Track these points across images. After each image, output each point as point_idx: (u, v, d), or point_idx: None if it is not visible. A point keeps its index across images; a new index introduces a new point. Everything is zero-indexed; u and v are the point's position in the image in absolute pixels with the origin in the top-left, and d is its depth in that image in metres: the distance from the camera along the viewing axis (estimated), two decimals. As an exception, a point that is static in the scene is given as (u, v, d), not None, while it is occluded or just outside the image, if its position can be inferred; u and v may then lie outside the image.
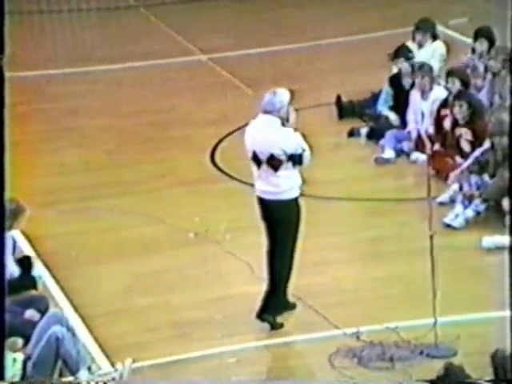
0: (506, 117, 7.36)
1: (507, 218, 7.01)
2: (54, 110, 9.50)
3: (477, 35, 8.79)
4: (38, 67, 10.38)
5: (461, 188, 7.49)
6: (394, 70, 8.83)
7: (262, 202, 6.14)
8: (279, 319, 6.17)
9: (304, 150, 6.11)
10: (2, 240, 3.83)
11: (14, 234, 6.67)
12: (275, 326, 6.13)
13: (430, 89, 8.40)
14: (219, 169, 8.42)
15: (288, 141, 6.05)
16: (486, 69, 8.43)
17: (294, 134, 6.11)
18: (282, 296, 6.19)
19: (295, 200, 6.13)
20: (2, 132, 3.94)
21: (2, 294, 3.86)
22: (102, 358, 5.94)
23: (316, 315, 6.25)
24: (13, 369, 5.55)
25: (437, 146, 8.10)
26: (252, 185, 7.92)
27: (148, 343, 6.05)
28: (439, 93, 8.37)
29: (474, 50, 8.78)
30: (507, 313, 5.15)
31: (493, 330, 5.68)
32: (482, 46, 8.67)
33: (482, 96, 8.30)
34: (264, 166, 6.04)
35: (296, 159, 6.06)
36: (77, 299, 6.55)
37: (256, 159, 6.08)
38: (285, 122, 6.07)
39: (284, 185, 6.07)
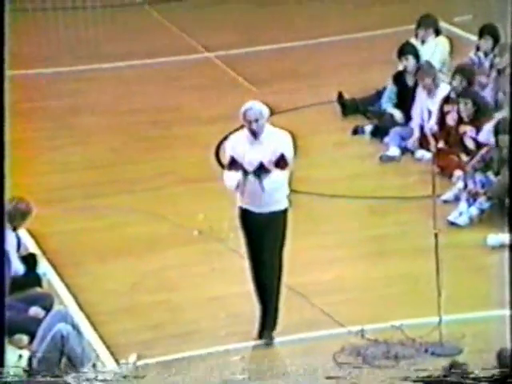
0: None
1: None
2: (58, 108, 9.50)
3: (481, 32, 8.78)
4: (43, 65, 10.37)
5: (465, 186, 7.48)
6: (400, 68, 8.81)
7: (251, 215, 5.91)
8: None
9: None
10: (1, 239, 3.82)
11: (19, 232, 6.68)
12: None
13: (436, 86, 8.39)
14: (224, 167, 8.41)
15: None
16: (491, 66, 8.41)
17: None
18: (274, 311, 6.05)
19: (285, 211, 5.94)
20: (1, 135, 3.92)
21: (2, 293, 3.85)
22: (107, 355, 5.94)
23: (320, 313, 6.25)
24: (18, 366, 5.55)
25: (441, 144, 8.08)
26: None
27: (152, 341, 6.05)
28: (445, 90, 8.35)
29: (478, 48, 8.77)
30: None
31: (498, 328, 5.67)
32: (486, 43, 8.66)
33: (487, 93, 8.29)
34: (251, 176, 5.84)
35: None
36: (81, 297, 6.55)
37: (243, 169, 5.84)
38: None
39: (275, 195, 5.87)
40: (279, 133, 5.94)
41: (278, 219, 5.91)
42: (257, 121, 5.83)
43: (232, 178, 5.91)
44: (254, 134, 5.85)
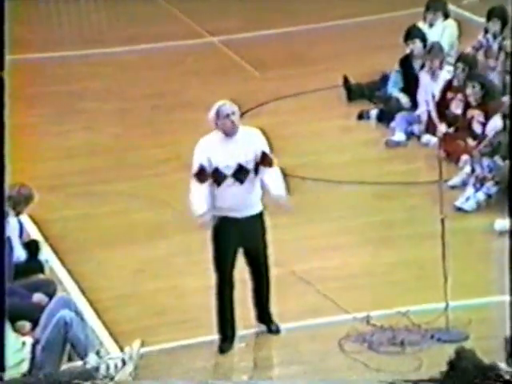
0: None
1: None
2: (61, 93, 9.45)
3: (490, 15, 8.70)
4: (46, 49, 10.32)
5: (473, 171, 7.41)
6: (407, 51, 8.73)
7: (231, 222, 5.56)
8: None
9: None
10: (2, 226, 3.76)
11: (21, 218, 6.64)
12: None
13: (440, 69, 8.31)
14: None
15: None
16: (500, 49, 8.33)
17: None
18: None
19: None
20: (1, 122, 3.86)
21: (2, 292, 3.79)
22: (111, 342, 5.91)
23: (325, 300, 6.20)
24: (22, 352, 5.54)
25: (443, 128, 7.99)
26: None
27: (156, 327, 6.02)
28: (448, 74, 8.27)
29: (487, 30, 8.68)
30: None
31: (505, 314, 5.61)
32: (495, 25, 8.58)
33: (495, 77, 8.20)
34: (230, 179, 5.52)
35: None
36: (84, 283, 6.52)
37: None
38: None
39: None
40: (251, 131, 5.69)
41: (259, 222, 5.67)
42: (231, 115, 5.54)
43: (200, 199, 5.50)
44: (229, 132, 5.52)
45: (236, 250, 5.70)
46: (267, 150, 5.67)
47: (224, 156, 5.55)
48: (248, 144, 5.59)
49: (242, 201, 5.58)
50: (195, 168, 5.60)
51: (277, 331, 5.88)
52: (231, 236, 5.62)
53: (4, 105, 3.89)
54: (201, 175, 5.58)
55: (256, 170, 5.62)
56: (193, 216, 5.64)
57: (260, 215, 5.70)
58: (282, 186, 5.72)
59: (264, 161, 5.61)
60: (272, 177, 5.66)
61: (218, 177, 5.56)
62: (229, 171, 5.55)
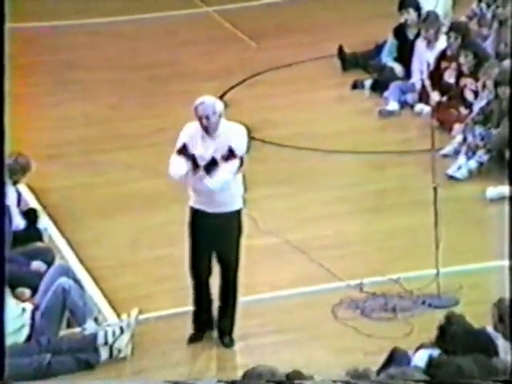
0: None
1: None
2: (56, 63, 9.44)
3: (484, -17, 8.69)
4: (41, 19, 10.28)
5: (465, 139, 7.47)
6: (401, 21, 8.73)
7: (203, 216, 5.43)
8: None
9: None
10: (1, 193, 3.81)
11: (19, 187, 6.70)
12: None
13: (436, 39, 8.33)
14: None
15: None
16: (493, 17, 8.34)
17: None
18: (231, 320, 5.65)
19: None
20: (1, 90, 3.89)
21: (1, 290, 3.86)
22: (109, 309, 6.00)
23: (319, 267, 6.29)
24: (22, 318, 5.63)
25: (437, 96, 8.02)
26: (256, 139, 7.91)
27: (153, 295, 6.10)
28: (444, 43, 8.29)
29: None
30: (508, 262, 5.18)
31: (495, 280, 5.71)
32: (488, -6, 8.57)
33: (488, 45, 8.22)
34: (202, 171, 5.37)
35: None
36: (82, 252, 6.59)
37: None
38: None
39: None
40: (233, 128, 5.50)
41: (232, 221, 5.47)
42: (208, 118, 5.38)
43: (180, 164, 5.43)
44: (207, 131, 5.43)
45: (210, 253, 5.52)
46: (236, 147, 5.44)
47: (200, 147, 5.44)
48: (225, 141, 5.44)
49: (211, 196, 5.42)
50: (178, 145, 5.54)
51: (228, 345, 5.62)
52: (202, 230, 5.49)
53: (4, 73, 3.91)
54: (182, 153, 5.50)
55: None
56: (171, 177, 5.53)
57: (234, 214, 5.48)
58: (219, 177, 5.44)
59: (227, 157, 5.42)
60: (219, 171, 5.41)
61: (193, 164, 5.47)
62: (202, 162, 5.44)
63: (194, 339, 5.69)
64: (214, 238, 5.53)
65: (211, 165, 5.44)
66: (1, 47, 3.72)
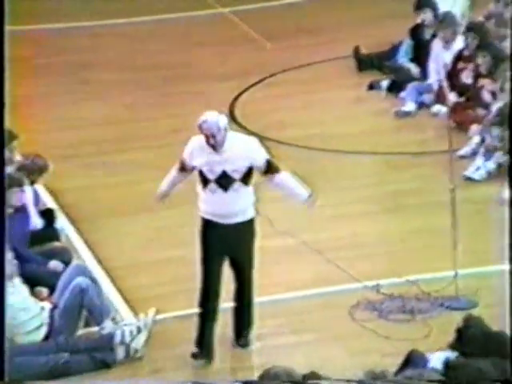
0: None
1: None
2: (72, 64, 9.47)
3: (501, -17, 8.65)
4: (58, 20, 10.32)
5: (482, 140, 7.43)
6: (418, 21, 8.70)
7: (215, 227, 5.39)
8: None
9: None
10: (2, 227, 3.79)
11: (36, 187, 6.72)
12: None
13: (453, 39, 8.29)
14: (238, 123, 8.38)
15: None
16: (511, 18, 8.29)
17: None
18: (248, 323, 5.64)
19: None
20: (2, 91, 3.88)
21: (1, 290, 3.86)
22: (125, 309, 6.00)
23: (336, 269, 6.26)
24: (40, 317, 5.64)
25: (454, 97, 7.98)
26: (272, 140, 7.90)
27: (168, 295, 6.10)
28: (461, 44, 8.25)
29: (498, -1, 8.65)
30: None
31: (514, 283, 5.66)
32: (506, -6, 8.54)
33: (506, 46, 8.17)
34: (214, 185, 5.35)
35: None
36: (98, 252, 6.60)
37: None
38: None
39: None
40: (245, 141, 5.47)
41: (246, 229, 5.45)
42: (213, 136, 5.33)
43: (164, 182, 5.55)
44: (214, 148, 5.38)
45: (222, 259, 5.48)
46: (268, 157, 5.47)
47: (208, 161, 5.40)
48: (238, 154, 5.38)
49: (225, 208, 5.40)
50: (180, 159, 5.54)
51: (244, 345, 5.60)
52: (214, 240, 5.45)
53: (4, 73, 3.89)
54: (181, 167, 5.56)
55: (245, 181, 5.43)
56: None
57: (247, 223, 5.46)
58: (301, 188, 5.58)
59: (271, 168, 5.45)
60: (291, 183, 5.52)
61: (202, 178, 5.45)
62: (212, 176, 5.41)
63: (195, 355, 5.51)
64: (228, 246, 5.51)
65: (223, 178, 5.40)
66: (1, 47, 3.72)
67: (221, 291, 5.56)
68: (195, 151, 5.49)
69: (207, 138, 5.40)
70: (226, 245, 5.49)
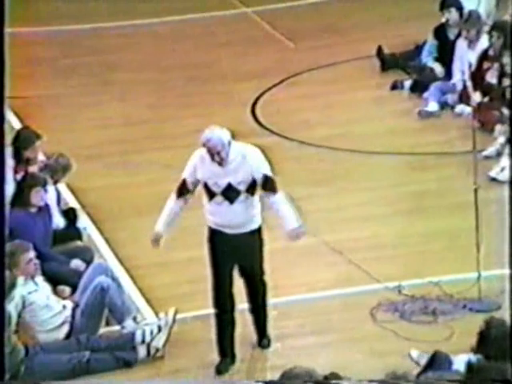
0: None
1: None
2: (96, 64, 9.52)
3: (528, -19, 8.57)
4: (82, 21, 10.38)
5: (508, 141, 7.35)
6: (443, 20, 8.64)
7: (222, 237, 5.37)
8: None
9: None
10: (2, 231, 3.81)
11: (59, 186, 6.75)
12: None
13: (478, 39, 8.22)
14: (260, 123, 8.38)
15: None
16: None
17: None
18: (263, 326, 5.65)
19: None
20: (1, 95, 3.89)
21: (2, 291, 3.89)
22: (146, 308, 6.01)
23: (357, 269, 6.24)
24: (62, 315, 5.66)
25: (478, 97, 7.91)
26: (294, 140, 7.88)
27: (189, 295, 6.11)
28: (486, 43, 8.18)
29: (525, -2, 8.56)
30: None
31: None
32: (533, -8, 8.46)
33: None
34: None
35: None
36: (119, 251, 6.62)
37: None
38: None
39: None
40: (248, 152, 5.39)
41: (253, 238, 5.42)
42: (219, 153, 5.29)
43: (161, 219, 5.48)
44: (220, 164, 5.35)
45: (231, 267, 5.48)
46: (268, 173, 5.39)
47: (213, 175, 5.38)
48: (242, 166, 5.36)
49: (232, 219, 5.38)
50: (180, 180, 5.51)
51: (265, 346, 5.63)
52: (222, 249, 5.45)
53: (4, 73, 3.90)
54: (182, 189, 5.50)
55: (250, 192, 5.39)
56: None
57: (255, 232, 5.44)
58: (293, 216, 5.42)
59: (266, 185, 5.37)
60: (281, 209, 5.38)
61: (207, 191, 5.44)
62: (218, 189, 5.38)
63: (220, 370, 5.47)
64: (236, 255, 5.50)
65: (229, 191, 5.36)
66: (1, 48, 3.74)
67: (234, 294, 5.55)
68: (198, 166, 5.46)
69: (212, 155, 5.37)
70: (234, 253, 5.49)
